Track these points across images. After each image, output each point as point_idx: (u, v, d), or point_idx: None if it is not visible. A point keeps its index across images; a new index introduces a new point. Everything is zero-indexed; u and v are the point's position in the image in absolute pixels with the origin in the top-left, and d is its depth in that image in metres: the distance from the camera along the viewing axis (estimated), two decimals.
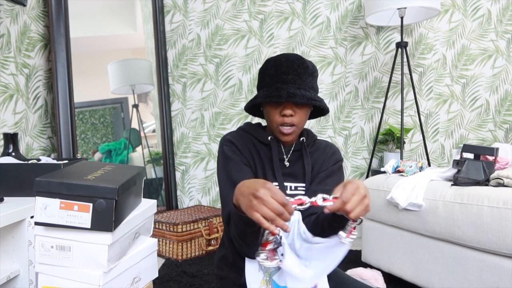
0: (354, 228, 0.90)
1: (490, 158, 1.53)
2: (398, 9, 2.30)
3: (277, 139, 1.11)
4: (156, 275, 1.27)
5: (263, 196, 0.75)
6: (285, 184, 1.09)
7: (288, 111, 1.03)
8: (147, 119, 2.84)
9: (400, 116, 2.52)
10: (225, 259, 1.11)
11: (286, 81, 1.03)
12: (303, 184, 1.10)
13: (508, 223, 1.28)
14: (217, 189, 2.79)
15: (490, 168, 1.48)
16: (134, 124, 2.73)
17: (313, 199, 0.84)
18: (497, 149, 1.51)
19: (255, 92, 2.76)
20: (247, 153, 1.09)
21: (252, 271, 0.98)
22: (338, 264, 0.89)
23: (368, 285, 1.06)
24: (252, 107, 1.15)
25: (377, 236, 1.83)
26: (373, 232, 1.86)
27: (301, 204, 0.83)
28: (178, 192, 2.83)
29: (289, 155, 1.11)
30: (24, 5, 1.90)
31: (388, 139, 2.62)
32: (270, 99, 1.02)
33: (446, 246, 1.50)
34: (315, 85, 1.08)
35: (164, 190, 2.73)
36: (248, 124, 1.17)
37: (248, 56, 2.78)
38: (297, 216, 0.98)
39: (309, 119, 1.15)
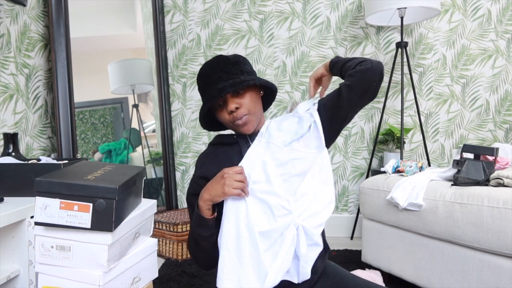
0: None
1: (490, 158, 1.53)
2: (398, 9, 2.30)
3: (242, 134, 1.13)
4: (156, 275, 1.27)
5: (229, 171, 0.98)
6: None
7: (231, 106, 1.06)
8: (147, 119, 2.84)
9: (400, 116, 2.52)
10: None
11: (214, 82, 1.07)
12: None
13: (508, 223, 1.28)
14: None
15: (490, 168, 1.48)
16: (134, 124, 2.73)
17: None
18: (497, 149, 1.51)
19: None
20: (215, 170, 1.06)
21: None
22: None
23: (366, 280, 1.06)
24: (210, 124, 1.19)
25: (377, 236, 1.83)
26: (373, 232, 1.86)
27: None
28: (178, 192, 2.83)
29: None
30: (24, 5, 1.90)
31: (388, 139, 2.62)
32: (207, 104, 1.06)
33: (446, 246, 1.50)
34: (245, 69, 1.10)
35: (164, 190, 2.73)
36: (217, 135, 1.20)
37: (248, 56, 2.78)
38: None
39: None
